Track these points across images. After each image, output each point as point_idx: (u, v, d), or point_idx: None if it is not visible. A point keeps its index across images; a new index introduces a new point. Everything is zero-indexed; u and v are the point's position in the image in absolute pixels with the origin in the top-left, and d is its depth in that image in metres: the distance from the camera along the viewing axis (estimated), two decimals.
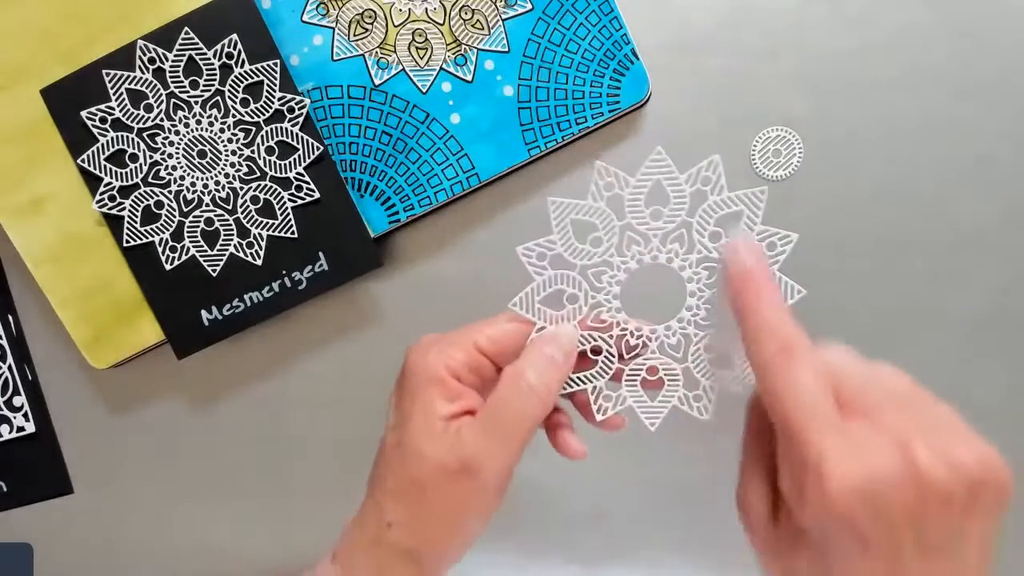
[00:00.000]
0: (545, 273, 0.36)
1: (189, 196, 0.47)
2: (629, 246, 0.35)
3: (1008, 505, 0.28)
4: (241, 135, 0.46)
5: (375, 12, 0.46)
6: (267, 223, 0.47)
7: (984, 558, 0.28)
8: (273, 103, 0.46)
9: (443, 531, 0.35)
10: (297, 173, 0.47)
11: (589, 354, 0.36)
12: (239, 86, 0.46)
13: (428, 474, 0.34)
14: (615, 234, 0.35)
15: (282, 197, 0.47)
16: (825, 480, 0.26)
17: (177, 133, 0.46)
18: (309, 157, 0.46)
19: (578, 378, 0.36)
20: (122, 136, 0.46)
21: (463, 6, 0.46)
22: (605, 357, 0.36)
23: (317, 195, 0.47)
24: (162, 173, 0.47)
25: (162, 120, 0.46)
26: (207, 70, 0.46)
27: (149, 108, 0.46)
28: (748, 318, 0.31)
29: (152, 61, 0.45)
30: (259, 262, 0.48)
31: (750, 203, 0.34)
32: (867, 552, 0.27)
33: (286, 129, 0.46)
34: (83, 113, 0.46)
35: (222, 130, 0.46)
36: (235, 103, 0.46)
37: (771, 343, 0.30)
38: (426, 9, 0.46)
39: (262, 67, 0.46)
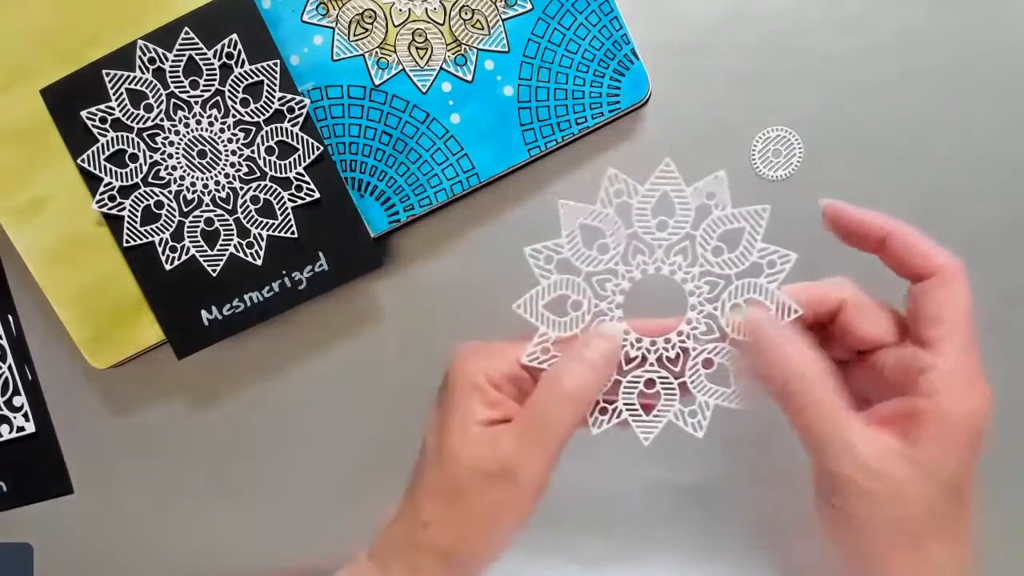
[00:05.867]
0: (551, 277, 0.35)
1: (189, 196, 0.47)
2: (634, 255, 0.35)
3: None
4: (241, 135, 0.46)
5: (375, 12, 0.46)
6: (267, 223, 0.47)
7: None
8: (273, 103, 0.46)
9: (479, 533, 0.35)
10: (297, 173, 0.47)
11: None
12: (239, 86, 0.46)
13: (465, 477, 0.34)
14: (622, 242, 0.35)
15: (282, 197, 0.47)
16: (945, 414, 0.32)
17: (177, 133, 0.46)
18: (309, 157, 0.46)
19: None
20: (122, 136, 0.46)
21: (463, 6, 0.46)
22: None
23: (317, 195, 0.47)
24: (162, 173, 0.47)
25: (162, 120, 0.46)
26: (207, 70, 0.46)
27: (149, 108, 0.46)
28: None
29: (152, 61, 0.45)
30: (259, 262, 0.48)
31: (752, 220, 0.34)
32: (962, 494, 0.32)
33: (286, 129, 0.46)
34: (83, 113, 0.46)
35: (222, 130, 0.46)
36: (235, 103, 0.46)
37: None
38: (426, 9, 0.46)
39: (262, 67, 0.46)
